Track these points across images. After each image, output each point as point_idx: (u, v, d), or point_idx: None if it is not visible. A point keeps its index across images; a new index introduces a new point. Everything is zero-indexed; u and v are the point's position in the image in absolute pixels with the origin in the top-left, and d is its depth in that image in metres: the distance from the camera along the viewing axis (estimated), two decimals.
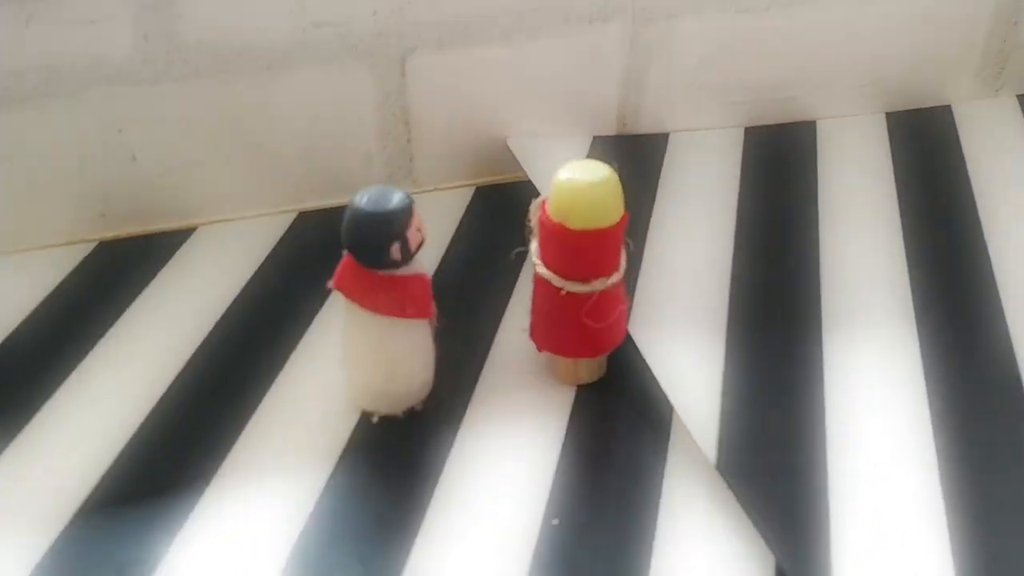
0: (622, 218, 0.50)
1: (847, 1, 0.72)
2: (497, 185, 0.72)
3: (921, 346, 0.56)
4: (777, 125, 0.77)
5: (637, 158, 0.72)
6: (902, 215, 0.67)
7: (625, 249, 0.52)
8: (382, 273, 0.48)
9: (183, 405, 0.54)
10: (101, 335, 0.58)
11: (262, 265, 0.64)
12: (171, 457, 0.51)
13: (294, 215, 0.68)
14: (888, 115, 0.78)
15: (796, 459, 0.49)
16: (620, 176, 0.49)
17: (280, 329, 0.58)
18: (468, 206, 0.70)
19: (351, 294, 0.49)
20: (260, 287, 0.62)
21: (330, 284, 0.49)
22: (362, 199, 0.47)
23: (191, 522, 0.47)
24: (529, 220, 0.52)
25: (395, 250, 0.47)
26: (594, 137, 0.73)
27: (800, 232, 0.65)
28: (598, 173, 0.49)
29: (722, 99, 0.75)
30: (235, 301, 0.61)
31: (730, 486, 0.47)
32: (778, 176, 0.71)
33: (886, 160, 0.73)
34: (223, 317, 0.59)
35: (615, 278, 0.51)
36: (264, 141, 0.66)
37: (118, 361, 0.56)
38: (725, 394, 0.52)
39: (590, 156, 0.72)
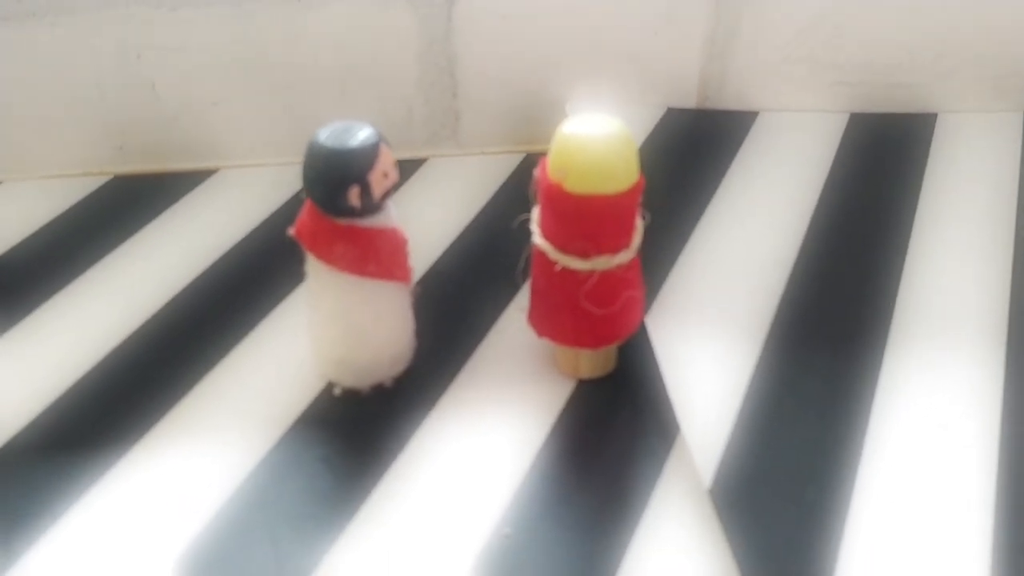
0: (634, 186, 0.41)
1: None
2: None
3: (1006, 387, 0.45)
4: (890, 115, 0.66)
5: (714, 135, 0.63)
6: (1017, 233, 0.55)
7: (642, 224, 0.43)
8: (342, 222, 0.41)
9: (146, 350, 0.49)
10: (87, 268, 0.54)
11: (271, 215, 0.58)
12: (114, 404, 0.46)
13: None
14: None
15: (810, 500, 0.39)
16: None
17: (270, 284, 0.52)
18: (513, 173, 0.62)
19: (308, 243, 0.42)
20: (262, 238, 0.57)
21: (289, 230, 0.43)
22: (323, 134, 0.40)
23: (106, 480, 0.42)
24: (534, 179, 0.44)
25: (354, 195, 0.40)
26: (668, 108, 0.65)
27: (886, 238, 0.55)
28: (607, 128, 0.41)
29: (823, 78, 0.65)
30: (232, 250, 0.56)
31: (720, 517, 0.38)
32: (876, 171, 0.61)
33: (1012, 167, 0.61)
34: (214, 264, 0.54)
35: (622, 257, 0.43)
36: (292, 83, 0.61)
37: (96, 297, 0.52)
38: (743, 412, 0.43)
39: (661, 127, 0.63)
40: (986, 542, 0.38)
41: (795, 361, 0.46)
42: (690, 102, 0.65)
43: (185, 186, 0.61)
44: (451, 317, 0.50)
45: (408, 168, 0.62)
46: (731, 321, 0.48)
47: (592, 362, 0.46)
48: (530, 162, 0.63)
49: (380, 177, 0.40)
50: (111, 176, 0.62)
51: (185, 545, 0.39)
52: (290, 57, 0.60)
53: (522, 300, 0.51)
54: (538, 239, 0.44)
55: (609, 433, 0.44)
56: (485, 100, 0.63)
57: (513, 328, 0.50)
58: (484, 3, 0.59)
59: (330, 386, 0.46)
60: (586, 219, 0.41)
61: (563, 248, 0.42)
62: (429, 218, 0.58)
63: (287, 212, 0.58)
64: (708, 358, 0.46)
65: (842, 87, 0.65)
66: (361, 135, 0.40)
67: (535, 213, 0.44)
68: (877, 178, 0.60)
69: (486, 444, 0.44)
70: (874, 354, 0.47)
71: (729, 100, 0.65)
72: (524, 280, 0.47)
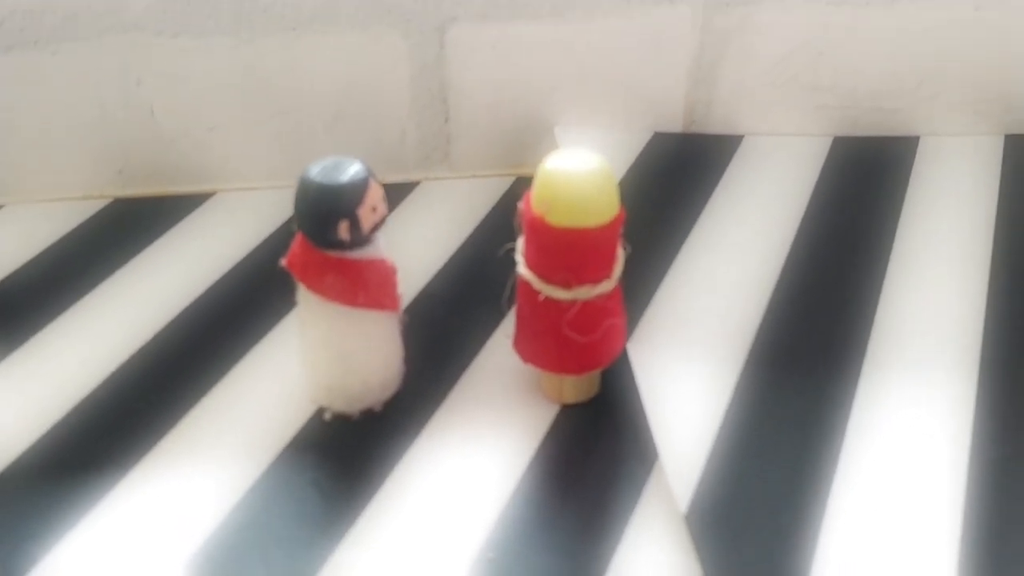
0: (615, 219, 0.43)
1: None
2: None
3: (977, 412, 0.46)
4: (873, 138, 0.67)
5: (699, 159, 0.65)
6: (994, 257, 0.56)
7: (623, 254, 0.45)
8: (332, 254, 0.43)
9: (141, 375, 0.50)
10: (87, 292, 0.55)
11: (267, 239, 0.60)
12: (111, 429, 0.47)
13: None
14: (1008, 138, 0.67)
15: (784, 523, 0.41)
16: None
17: (264, 308, 0.54)
18: (504, 196, 0.64)
19: (300, 274, 0.44)
20: (257, 263, 0.58)
21: (282, 261, 0.44)
22: (314, 169, 0.42)
23: (101, 506, 0.43)
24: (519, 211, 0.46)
25: (343, 229, 0.41)
26: (655, 133, 0.66)
27: (865, 262, 0.56)
28: (588, 163, 0.42)
29: (808, 102, 0.66)
30: (227, 274, 0.57)
31: (695, 542, 0.40)
32: (858, 194, 0.62)
33: (991, 190, 0.62)
34: (210, 289, 0.56)
35: (604, 287, 0.44)
36: (289, 108, 0.62)
37: (93, 321, 0.53)
38: (720, 438, 0.44)
39: (647, 152, 0.65)
40: (953, 563, 0.39)
41: (773, 386, 0.48)
42: (676, 126, 0.67)
43: (183, 209, 0.62)
44: (439, 342, 0.51)
45: (401, 191, 0.64)
46: (711, 346, 0.50)
47: (576, 387, 0.48)
48: (520, 185, 0.65)
49: (369, 212, 0.42)
50: (111, 199, 0.63)
51: (180, 567, 0.41)
52: (286, 83, 0.61)
53: (508, 326, 0.52)
54: (522, 269, 0.45)
55: (591, 457, 0.46)
56: (476, 124, 0.64)
57: (499, 353, 0.51)
58: (475, 30, 0.61)
59: (320, 411, 0.48)
60: (568, 251, 0.43)
61: (546, 278, 0.44)
62: (421, 240, 0.59)
63: (282, 235, 0.60)
64: (687, 384, 0.47)
65: (826, 111, 0.67)
66: (351, 171, 0.42)
67: (519, 243, 0.46)
68: (859, 201, 0.61)
69: (472, 467, 0.45)
70: (849, 378, 0.48)
71: (715, 124, 0.67)
72: (510, 307, 0.48)
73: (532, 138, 0.65)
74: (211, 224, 0.61)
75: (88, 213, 0.62)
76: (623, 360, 0.48)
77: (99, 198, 0.63)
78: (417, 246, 0.59)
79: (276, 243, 0.59)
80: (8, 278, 0.57)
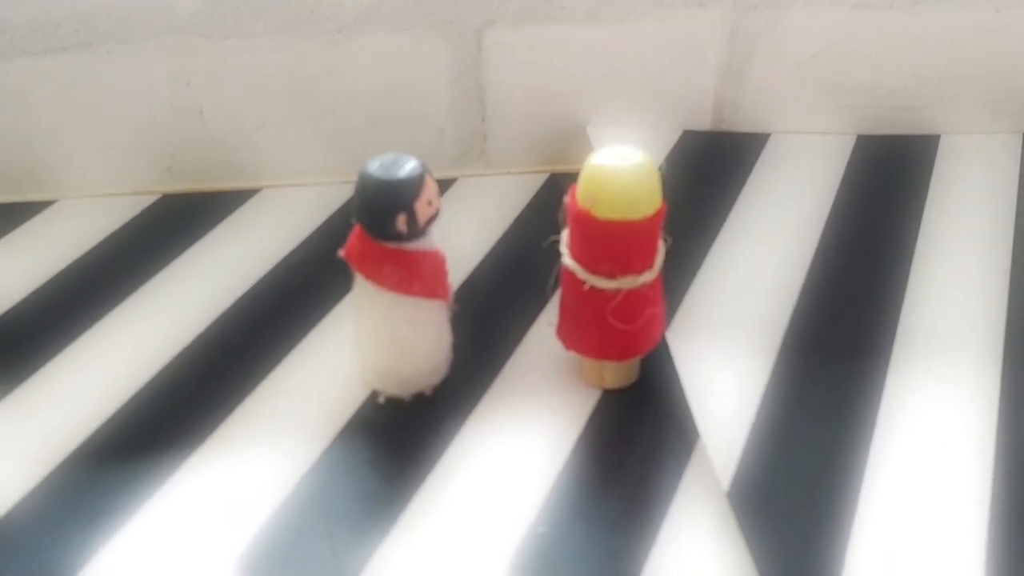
0: (657, 212, 0.45)
1: (985, 0, 0.65)
2: (573, 173, 0.67)
3: (1001, 401, 0.48)
4: (895, 136, 0.69)
5: (728, 157, 0.67)
6: (1015, 251, 0.58)
7: (664, 246, 0.47)
8: (389, 246, 0.45)
9: (199, 363, 0.53)
10: (139, 285, 0.58)
11: (314, 233, 0.62)
12: (174, 413, 0.49)
13: None
14: None
15: (820, 503, 0.43)
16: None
17: (315, 298, 0.56)
18: (538, 192, 0.66)
19: (358, 265, 0.46)
20: (306, 255, 0.60)
21: (340, 252, 0.47)
22: (373, 165, 0.44)
23: (172, 481, 0.46)
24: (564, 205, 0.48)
25: (401, 221, 0.44)
26: (684, 131, 0.68)
27: (891, 256, 0.58)
28: (632, 159, 0.44)
29: (832, 102, 0.68)
30: (277, 266, 0.59)
31: (737, 518, 0.42)
32: (882, 191, 0.64)
33: (1011, 187, 0.64)
34: (261, 280, 0.58)
35: (646, 277, 0.46)
36: (332, 108, 0.64)
37: (150, 312, 0.56)
38: (758, 419, 0.47)
39: (677, 150, 0.67)
40: (982, 545, 0.42)
41: (806, 372, 0.50)
42: (705, 124, 0.69)
43: (231, 204, 0.65)
44: (484, 330, 0.54)
45: (439, 187, 0.66)
46: (746, 335, 0.52)
47: (616, 373, 0.50)
48: (554, 181, 0.67)
49: (425, 205, 0.44)
50: (160, 195, 0.66)
51: (247, 542, 0.43)
52: (330, 83, 0.63)
53: (549, 315, 0.54)
54: (567, 260, 0.47)
55: (633, 439, 0.48)
56: (511, 123, 0.67)
57: (541, 340, 0.53)
58: (512, 33, 0.63)
59: (374, 395, 0.50)
60: (613, 243, 0.45)
61: (591, 269, 0.46)
62: (460, 234, 0.62)
63: (328, 229, 0.62)
64: (725, 371, 0.50)
65: (850, 110, 0.69)
66: (408, 166, 0.44)
67: (564, 235, 0.48)
68: (883, 197, 0.64)
69: (520, 448, 0.47)
70: (878, 366, 0.50)
71: (743, 122, 0.69)
72: (553, 292, 0.51)
73: (565, 136, 0.67)
74: (258, 219, 0.63)
75: (138, 208, 0.64)
76: (660, 347, 0.50)
77: (148, 193, 0.66)
78: (457, 240, 0.61)
79: (322, 236, 0.62)
80: (65, 270, 0.59)
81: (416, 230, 0.45)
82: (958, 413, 0.48)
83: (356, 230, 0.46)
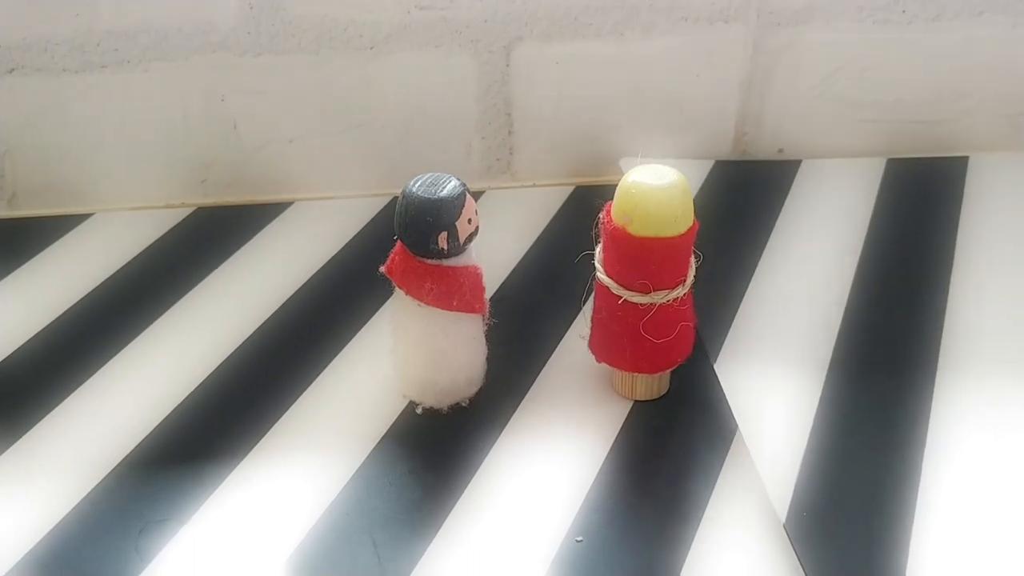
0: (690, 229, 0.46)
1: (1002, 17, 0.66)
2: (598, 186, 0.69)
3: None
4: (923, 159, 0.71)
5: (761, 184, 0.68)
6: None
7: (695, 262, 0.48)
8: (430, 262, 0.47)
9: (240, 375, 0.54)
10: (179, 298, 0.59)
11: (347, 245, 0.63)
12: (216, 424, 0.51)
13: (388, 199, 0.67)
14: None
15: (875, 526, 0.44)
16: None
17: (350, 311, 0.58)
18: (563, 205, 0.68)
19: (399, 281, 0.48)
20: (340, 267, 0.62)
21: (381, 269, 0.48)
22: (415, 184, 0.46)
23: (220, 490, 0.47)
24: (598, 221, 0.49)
25: (442, 239, 0.45)
26: (716, 161, 0.70)
27: (930, 276, 0.60)
28: (667, 178, 0.46)
29: (852, 116, 0.70)
30: (312, 278, 0.61)
31: (795, 547, 0.43)
32: (916, 213, 0.66)
33: None
34: (297, 293, 0.60)
35: (678, 292, 0.48)
36: (363, 122, 0.66)
37: (189, 324, 0.57)
38: (810, 446, 0.48)
39: (711, 179, 0.69)
40: None
41: (854, 395, 0.51)
42: (728, 137, 0.70)
43: (264, 217, 0.66)
44: (516, 342, 0.55)
45: None
46: (794, 359, 0.53)
47: (647, 385, 0.51)
48: (579, 193, 0.69)
49: (465, 223, 0.46)
50: (195, 208, 0.67)
51: (294, 547, 0.44)
52: (361, 99, 0.65)
53: (580, 327, 0.56)
54: (602, 275, 0.49)
55: (665, 449, 0.49)
56: (537, 137, 0.68)
57: (571, 352, 0.55)
58: (539, 50, 0.65)
59: (412, 405, 0.51)
60: (648, 259, 0.46)
61: (626, 284, 0.47)
62: (489, 247, 0.62)
63: (361, 241, 0.64)
64: (775, 399, 0.51)
65: (870, 124, 0.70)
66: (449, 186, 0.45)
67: (598, 251, 0.49)
68: (918, 219, 0.65)
69: (555, 458, 0.49)
70: (925, 386, 0.52)
71: (764, 136, 0.70)
72: (584, 303, 0.52)
73: (590, 149, 0.69)
74: (292, 231, 0.65)
75: (174, 221, 0.66)
76: (690, 360, 0.52)
77: (183, 207, 0.67)
78: (487, 252, 0.62)
79: (356, 248, 0.63)
80: (106, 282, 0.60)
81: (457, 247, 0.46)
82: (1006, 431, 0.49)
83: (397, 247, 0.47)
